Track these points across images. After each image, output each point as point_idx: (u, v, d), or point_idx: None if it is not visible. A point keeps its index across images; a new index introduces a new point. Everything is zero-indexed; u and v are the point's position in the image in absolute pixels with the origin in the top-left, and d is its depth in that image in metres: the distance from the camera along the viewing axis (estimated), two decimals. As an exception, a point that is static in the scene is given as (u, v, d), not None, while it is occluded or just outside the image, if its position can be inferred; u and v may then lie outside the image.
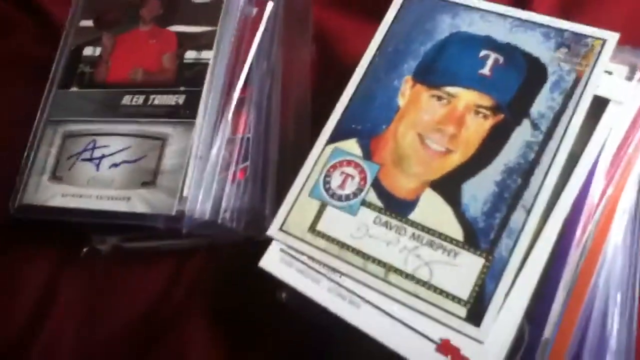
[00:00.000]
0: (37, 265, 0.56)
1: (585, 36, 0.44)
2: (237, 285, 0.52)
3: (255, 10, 0.55)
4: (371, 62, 0.48)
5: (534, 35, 0.45)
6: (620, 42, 0.44)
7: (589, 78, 0.42)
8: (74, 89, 0.56)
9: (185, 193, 0.49)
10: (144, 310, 0.53)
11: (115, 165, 0.52)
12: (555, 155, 0.40)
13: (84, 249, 0.54)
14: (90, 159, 0.52)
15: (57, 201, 0.52)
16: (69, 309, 0.53)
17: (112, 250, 0.53)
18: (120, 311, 0.53)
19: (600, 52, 0.43)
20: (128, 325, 0.53)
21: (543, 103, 0.42)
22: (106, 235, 0.53)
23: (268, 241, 0.44)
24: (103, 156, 0.52)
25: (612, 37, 0.43)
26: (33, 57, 0.66)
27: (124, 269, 0.55)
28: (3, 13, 0.69)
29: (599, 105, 0.42)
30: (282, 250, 0.44)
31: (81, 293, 0.54)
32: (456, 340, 0.38)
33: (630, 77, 0.42)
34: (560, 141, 0.41)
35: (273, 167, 0.53)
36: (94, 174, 0.52)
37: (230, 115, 0.52)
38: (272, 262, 0.43)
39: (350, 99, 0.47)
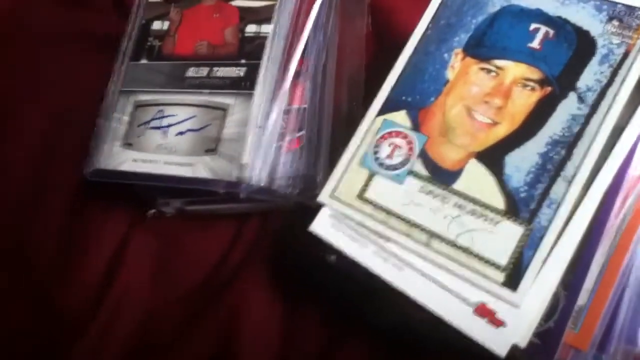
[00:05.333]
0: (108, 227, 0.59)
1: (638, 8, 0.43)
2: (291, 247, 0.55)
3: (312, -15, 0.57)
4: (423, 35, 0.49)
5: (585, 8, 0.45)
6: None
7: (638, 52, 0.42)
8: (144, 61, 0.60)
9: (244, 160, 0.51)
10: (206, 269, 0.57)
11: (181, 133, 0.55)
12: (599, 128, 0.41)
13: (151, 211, 0.58)
14: (159, 127, 0.56)
15: (128, 166, 0.56)
16: (138, 266, 0.57)
17: (176, 213, 0.57)
18: (184, 270, 0.57)
19: (652, 26, 0.42)
20: (192, 282, 0.56)
21: (590, 76, 0.42)
22: (171, 199, 0.57)
23: (319, 207, 0.47)
24: (170, 125, 0.56)
25: (666, 10, 0.43)
26: (106, 30, 0.70)
27: (188, 231, 0.58)
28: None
29: (648, 79, 0.42)
30: (331, 215, 0.46)
31: (149, 252, 0.58)
32: (493, 304, 0.39)
33: (681, 51, 0.42)
34: (605, 115, 0.41)
35: (326, 136, 0.55)
36: (162, 141, 0.55)
37: (287, 86, 0.54)
38: (322, 226, 0.46)
39: (401, 72, 0.48)
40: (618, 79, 0.42)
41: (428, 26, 0.49)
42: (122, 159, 0.56)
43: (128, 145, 0.57)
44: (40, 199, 0.61)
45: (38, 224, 0.60)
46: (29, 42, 0.70)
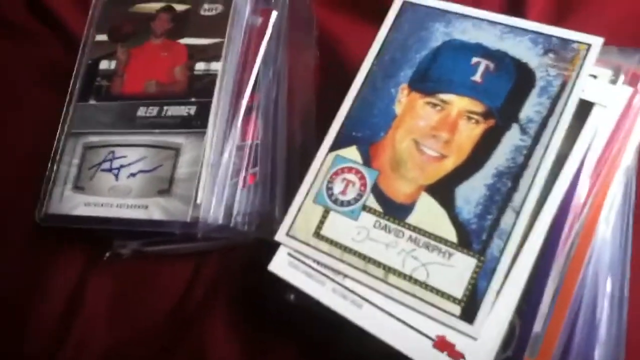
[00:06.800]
0: (65, 269, 0.59)
1: (572, 41, 0.45)
2: (251, 283, 0.55)
3: (260, 20, 0.58)
4: (369, 71, 0.50)
5: (522, 41, 0.46)
6: (608, 44, 0.45)
7: (574, 82, 0.44)
8: (92, 101, 0.59)
9: (199, 200, 0.51)
10: (166, 308, 0.56)
11: (133, 175, 0.55)
12: (542, 158, 0.42)
13: (107, 254, 0.57)
14: (110, 169, 0.55)
15: (80, 210, 0.55)
16: (96, 309, 0.57)
17: (133, 254, 0.57)
18: (144, 310, 0.57)
19: (585, 57, 0.44)
20: (152, 322, 0.56)
21: (531, 108, 0.44)
22: (127, 240, 0.57)
23: (278, 243, 0.47)
24: (121, 166, 0.55)
25: (596, 42, 0.44)
26: (53, 68, 0.69)
27: (146, 271, 0.58)
28: (25, 25, 0.72)
29: (585, 108, 0.43)
30: (289, 254, 0.46)
31: (107, 294, 0.58)
32: (452, 336, 0.40)
33: (614, 81, 0.44)
34: (548, 145, 0.42)
35: (281, 170, 0.56)
36: (114, 184, 0.55)
37: (239, 123, 0.54)
38: (280, 265, 0.46)
39: (350, 108, 0.49)
40: (557, 110, 0.43)
41: (373, 62, 0.50)
42: (74, 203, 0.55)
43: (79, 188, 0.56)
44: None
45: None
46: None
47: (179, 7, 0.60)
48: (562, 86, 0.44)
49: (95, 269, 0.58)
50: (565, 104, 0.43)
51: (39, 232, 0.58)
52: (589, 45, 0.45)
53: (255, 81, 0.56)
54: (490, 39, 0.47)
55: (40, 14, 0.72)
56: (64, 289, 0.58)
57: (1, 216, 0.62)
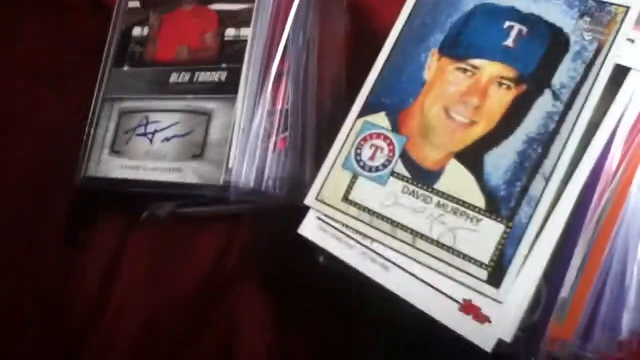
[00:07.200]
0: (104, 232, 0.61)
1: (609, 4, 0.44)
2: (282, 248, 0.56)
3: (289, -15, 0.58)
4: (399, 36, 0.50)
5: (557, 4, 0.45)
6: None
7: (610, 47, 0.43)
8: (126, 67, 0.60)
9: (230, 164, 0.53)
10: (201, 272, 0.58)
11: (167, 139, 0.56)
12: (574, 124, 0.42)
13: (144, 215, 0.59)
14: (145, 134, 0.57)
15: (118, 173, 0.57)
16: (135, 271, 0.59)
17: (168, 216, 0.59)
18: (180, 273, 0.58)
19: (622, 20, 0.43)
20: (188, 286, 0.58)
21: (564, 73, 0.43)
22: (163, 202, 0.58)
23: (308, 207, 0.48)
24: (155, 131, 0.57)
25: (635, 4, 0.43)
26: (86, 35, 0.69)
27: (182, 233, 0.59)
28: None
29: (621, 73, 0.42)
30: (318, 218, 0.47)
31: (146, 255, 0.59)
32: (477, 300, 0.41)
33: (652, 45, 0.43)
34: (580, 111, 0.42)
35: (311, 135, 0.56)
36: (149, 148, 0.56)
37: (269, 88, 0.54)
38: (309, 229, 0.47)
39: (379, 74, 0.49)
40: (591, 75, 0.42)
41: (403, 27, 0.50)
42: (112, 166, 0.57)
43: (116, 152, 0.58)
44: (39, 212, 0.62)
45: (38, 236, 0.61)
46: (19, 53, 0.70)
47: (209, -28, 0.60)
48: (597, 51, 0.43)
49: (134, 232, 0.60)
50: (600, 69, 0.42)
51: (79, 196, 0.60)
52: (628, 8, 0.43)
53: (285, 47, 0.56)
54: (524, 3, 0.46)
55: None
56: (104, 252, 0.60)
57: (46, 184, 0.63)
